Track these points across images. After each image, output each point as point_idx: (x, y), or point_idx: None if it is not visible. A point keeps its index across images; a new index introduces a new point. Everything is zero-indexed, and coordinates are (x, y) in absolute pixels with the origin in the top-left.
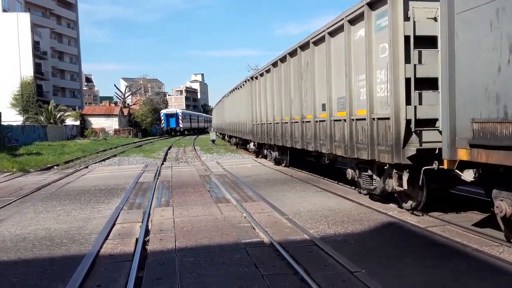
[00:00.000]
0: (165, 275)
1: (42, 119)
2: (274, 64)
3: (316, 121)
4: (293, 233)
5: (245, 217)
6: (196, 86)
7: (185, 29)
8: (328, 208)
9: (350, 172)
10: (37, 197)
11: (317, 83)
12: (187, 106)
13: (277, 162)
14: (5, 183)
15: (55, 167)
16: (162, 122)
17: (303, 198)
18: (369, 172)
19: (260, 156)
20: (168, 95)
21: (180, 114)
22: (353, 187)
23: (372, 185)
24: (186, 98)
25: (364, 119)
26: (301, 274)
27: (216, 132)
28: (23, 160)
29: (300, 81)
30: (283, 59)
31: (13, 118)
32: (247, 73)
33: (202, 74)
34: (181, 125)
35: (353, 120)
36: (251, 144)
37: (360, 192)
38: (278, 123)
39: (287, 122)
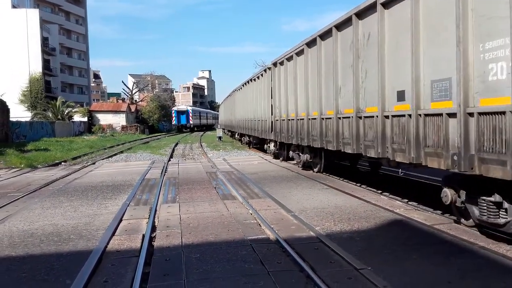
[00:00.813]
0: (171, 271)
1: (50, 115)
2: (310, 43)
3: (386, 116)
4: (299, 230)
5: (251, 214)
6: (203, 82)
7: (193, 25)
8: (334, 205)
9: (449, 194)
10: (45, 193)
11: (388, 60)
12: (194, 103)
13: (307, 166)
14: (13, 179)
15: (62, 163)
16: (173, 119)
17: (309, 195)
18: (495, 198)
19: (281, 159)
20: (175, 92)
21: (191, 111)
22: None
23: (499, 218)
24: (193, 95)
25: (497, 113)
26: (307, 271)
27: (223, 129)
28: (31, 156)
29: (356, 61)
30: (325, 35)
31: (22, 114)
32: (254, 70)
33: (209, 71)
34: (191, 122)
35: (472, 114)
36: (271, 145)
37: (462, 223)
38: (315, 118)
39: (329, 118)
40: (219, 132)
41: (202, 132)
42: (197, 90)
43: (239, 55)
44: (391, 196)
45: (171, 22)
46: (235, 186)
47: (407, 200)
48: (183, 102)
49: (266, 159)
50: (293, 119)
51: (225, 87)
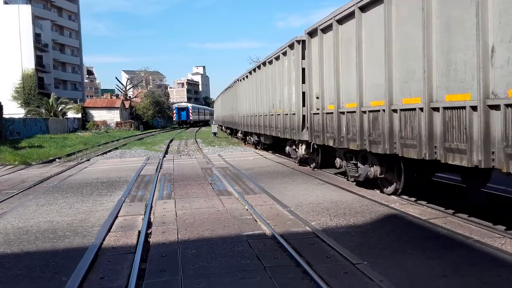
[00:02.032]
0: (167, 267)
1: (44, 112)
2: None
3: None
4: (295, 225)
5: (247, 210)
6: (198, 78)
7: (186, 21)
8: (330, 201)
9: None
10: (40, 190)
11: None
12: (189, 99)
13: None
14: (7, 176)
15: (57, 160)
16: (174, 115)
17: (305, 190)
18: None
19: (312, 166)
20: (170, 88)
21: (190, 108)
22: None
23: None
24: (188, 91)
25: None
26: (303, 266)
27: (220, 125)
28: (25, 153)
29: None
30: None
31: (15, 111)
32: (249, 66)
33: (204, 67)
34: (191, 118)
35: None
36: (301, 148)
37: None
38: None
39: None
40: (214, 128)
41: (198, 128)
42: (192, 86)
43: (233, 51)
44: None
45: (165, 18)
46: (230, 182)
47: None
48: (177, 98)
49: (261, 155)
50: (353, 111)
51: (219, 83)
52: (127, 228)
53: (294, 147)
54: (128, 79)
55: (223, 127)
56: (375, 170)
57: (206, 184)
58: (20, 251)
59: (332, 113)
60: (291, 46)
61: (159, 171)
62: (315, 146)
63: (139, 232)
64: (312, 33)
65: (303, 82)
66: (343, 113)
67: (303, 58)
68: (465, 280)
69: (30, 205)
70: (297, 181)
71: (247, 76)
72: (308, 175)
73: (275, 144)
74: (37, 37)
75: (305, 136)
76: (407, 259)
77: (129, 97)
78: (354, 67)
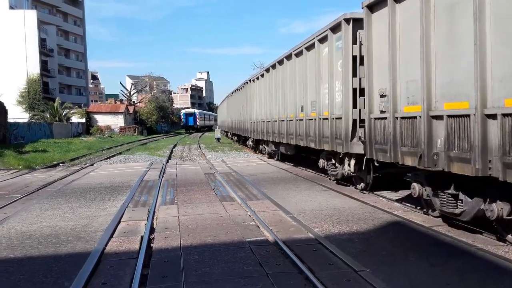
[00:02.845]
0: (170, 273)
1: (48, 116)
2: None
3: None
4: (297, 231)
5: (249, 216)
6: (202, 84)
7: (190, 27)
8: (332, 207)
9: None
10: (43, 195)
11: None
12: (192, 104)
13: None
14: (11, 180)
15: (61, 164)
16: (182, 120)
17: (307, 196)
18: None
19: (361, 185)
20: (174, 93)
21: (197, 113)
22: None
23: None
24: (192, 96)
25: None
26: (305, 273)
27: (225, 132)
28: (29, 157)
29: None
30: None
31: (19, 115)
32: (253, 71)
33: (208, 72)
34: (198, 123)
35: None
36: (350, 163)
37: None
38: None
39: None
40: (217, 133)
41: (201, 133)
42: (195, 92)
43: (237, 57)
44: (389, 198)
45: (168, 24)
46: (233, 188)
47: (409, 204)
48: (181, 103)
49: (264, 161)
50: (461, 115)
51: (223, 89)
52: (130, 233)
53: (333, 161)
54: (132, 84)
55: (229, 134)
56: (499, 210)
57: (209, 189)
58: (23, 255)
59: (414, 117)
60: (335, 29)
61: (162, 176)
62: (377, 164)
63: (142, 237)
64: (374, 6)
65: (354, 75)
66: (437, 117)
67: (354, 42)
68: None
69: (34, 210)
70: (300, 187)
71: (262, 75)
72: (311, 181)
73: (298, 156)
74: (42, 42)
75: (357, 148)
76: (410, 266)
77: (133, 102)
78: (468, 45)
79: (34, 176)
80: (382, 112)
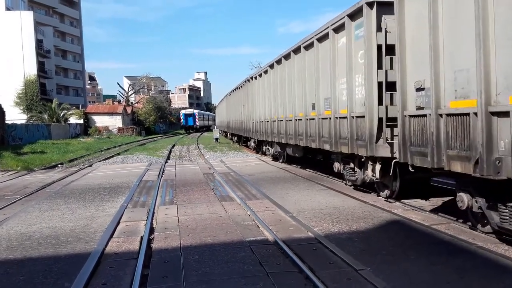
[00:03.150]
0: (170, 273)
1: (46, 117)
2: None
3: None
4: (297, 231)
5: (249, 215)
6: (199, 84)
7: (188, 28)
8: (332, 206)
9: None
10: (42, 196)
11: None
12: (190, 104)
13: None
14: (10, 181)
15: (59, 165)
16: (182, 121)
17: (307, 196)
18: None
19: (385, 196)
20: (171, 93)
21: (197, 114)
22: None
23: None
24: (189, 96)
25: None
26: (306, 272)
27: (224, 132)
28: (28, 158)
29: None
30: None
31: (17, 116)
32: (250, 71)
33: (205, 72)
34: (197, 123)
35: None
36: (375, 169)
37: None
38: None
39: None
40: (215, 133)
41: (200, 133)
42: (193, 92)
43: (235, 57)
44: (421, 208)
45: (166, 24)
46: (232, 188)
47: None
48: (179, 103)
49: (263, 160)
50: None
51: (221, 89)
52: (130, 234)
53: (352, 165)
54: (130, 85)
55: (228, 134)
56: None
57: (208, 189)
58: (22, 257)
59: (465, 114)
60: (355, 15)
61: (161, 176)
62: (412, 169)
63: (142, 238)
64: None
65: (379, 67)
66: (500, 114)
67: (379, 30)
68: (468, 286)
69: (33, 211)
70: (299, 186)
71: (265, 72)
72: (310, 181)
73: (305, 158)
74: (39, 43)
75: (383, 151)
76: (410, 265)
77: (131, 102)
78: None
79: (32, 178)
80: (419, 108)
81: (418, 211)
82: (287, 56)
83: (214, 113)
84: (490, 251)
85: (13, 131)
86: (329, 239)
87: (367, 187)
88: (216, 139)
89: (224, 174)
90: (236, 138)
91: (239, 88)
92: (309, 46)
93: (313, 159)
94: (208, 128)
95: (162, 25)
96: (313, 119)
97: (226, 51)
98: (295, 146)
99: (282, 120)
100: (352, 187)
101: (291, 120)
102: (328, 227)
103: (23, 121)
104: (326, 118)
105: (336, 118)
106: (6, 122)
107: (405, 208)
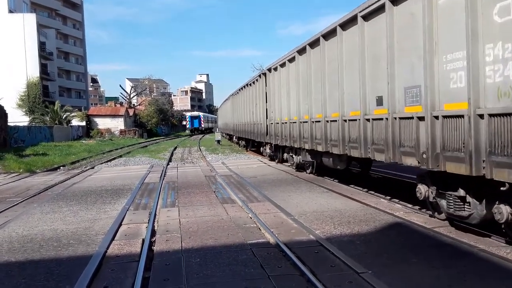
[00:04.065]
0: (171, 275)
1: (48, 119)
2: None
3: None
4: (299, 233)
5: (250, 218)
6: (201, 86)
7: (189, 30)
8: (334, 209)
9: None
10: (44, 198)
11: None
12: (192, 107)
13: None
14: (12, 183)
15: (61, 167)
16: (187, 123)
17: (308, 198)
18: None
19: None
20: (173, 96)
21: (202, 116)
22: (359, 188)
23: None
24: (191, 99)
25: None
26: (307, 275)
27: (228, 135)
28: (30, 160)
29: None
30: None
31: (19, 118)
32: (252, 73)
33: (207, 75)
34: (202, 125)
35: None
36: None
37: None
38: None
39: None
40: (217, 135)
41: (202, 135)
42: (195, 94)
43: (237, 59)
44: (392, 199)
45: (167, 26)
46: (234, 190)
47: (411, 205)
48: (181, 106)
49: (265, 163)
50: None
51: (222, 91)
52: (131, 236)
53: (462, 192)
54: (132, 87)
55: (234, 138)
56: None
57: (209, 192)
58: (24, 259)
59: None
60: None
61: (163, 179)
62: None
63: (143, 240)
64: None
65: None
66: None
67: None
68: None
69: (35, 213)
70: (300, 189)
71: (291, 59)
72: (311, 183)
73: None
74: (42, 46)
75: None
76: (412, 268)
77: (133, 105)
78: None
79: (34, 180)
80: None
81: (419, 214)
82: (328, 35)
83: (215, 115)
84: (492, 254)
85: (16, 133)
86: (331, 241)
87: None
88: (218, 141)
89: (226, 176)
90: (243, 142)
91: (250, 84)
92: (372, 14)
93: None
94: (211, 130)
95: (163, 27)
96: (380, 119)
97: (228, 53)
98: (337, 156)
99: (319, 121)
100: (448, 220)
101: (335, 120)
102: (330, 229)
103: (26, 123)
104: (409, 118)
105: (436, 117)
106: (9, 124)
107: (407, 211)
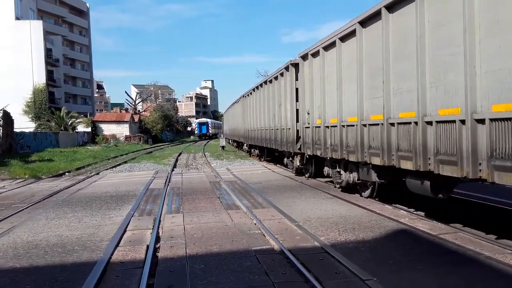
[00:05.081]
0: (176, 282)
1: (54, 125)
2: None
3: None
4: (303, 240)
5: (255, 224)
6: (206, 92)
7: (194, 37)
8: (338, 215)
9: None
10: (49, 204)
11: None
12: (197, 113)
13: None
14: (17, 189)
15: (66, 173)
16: (195, 129)
17: (313, 204)
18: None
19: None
20: (178, 102)
21: (210, 123)
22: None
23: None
24: (196, 105)
25: None
26: (312, 282)
27: (236, 142)
28: (35, 166)
29: None
30: None
31: (26, 125)
32: (257, 79)
33: (212, 81)
34: (210, 131)
35: None
36: None
37: None
38: None
39: None
40: (222, 141)
41: (206, 141)
42: (200, 100)
43: (241, 66)
44: (396, 206)
45: (172, 34)
46: (238, 196)
47: (413, 210)
48: (186, 112)
49: (269, 169)
50: None
51: (228, 97)
52: (136, 242)
53: None
54: (137, 93)
55: (245, 146)
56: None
57: (214, 198)
58: (29, 265)
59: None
60: None
61: (168, 185)
62: None
63: (148, 246)
64: None
65: None
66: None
67: None
68: None
69: (40, 219)
70: (305, 195)
71: (348, 35)
72: (316, 189)
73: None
74: (48, 52)
75: None
76: (418, 275)
77: (138, 111)
78: None
79: (40, 186)
80: None
81: (425, 220)
82: (394, 5)
83: (220, 121)
84: (498, 261)
85: (21, 139)
86: (336, 248)
87: None
88: (223, 147)
89: (230, 182)
90: (257, 151)
91: (267, 82)
92: None
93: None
94: (217, 136)
95: (168, 34)
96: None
97: (232, 60)
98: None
99: (406, 123)
100: None
101: (407, 123)
102: (335, 236)
103: (32, 129)
104: None
105: None
106: (15, 130)
107: (412, 217)
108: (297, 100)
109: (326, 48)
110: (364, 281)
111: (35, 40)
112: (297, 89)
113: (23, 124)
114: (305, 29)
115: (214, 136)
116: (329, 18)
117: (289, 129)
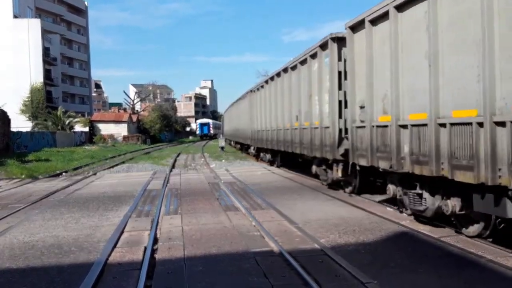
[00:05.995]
0: (173, 284)
1: (51, 125)
2: None
3: None
4: (303, 242)
5: (254, 226)
6: (206, 92)
7: (194, 36)
8: (338, 217)
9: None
10: (46, 204)
11: None
12: (196, 113)
13: None
14: (14, 189)
15: (63, 173)
16: (197, 129)
17: (313, 206)
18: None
19: None
20: (177, 102)
21: (211, 123)
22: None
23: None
24: (196, 105)
25: None
26: (311, 285)
27: (241, 144)
28: (32, 166)
29: None
30: None
31: (23, 124)
32: (257, 80)
33: (211, 81)
34: (211, 132)
35: None
36: None
37: None
38: None
39: None
40: (221, 142)
41: (205, 142)
42: (199, 100)
43: (241, 65)
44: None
45: (171, 32)
46: (237, 197)
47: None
48: (185, 112)
49: (269, 170)
50: None
51: (227, 97)
52: (133, 243)
53: None
54: (136, 92)
55: (252, 149)
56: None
57: (213, 199)
58: (25, 266)
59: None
60: None
61: (166, 185)
62: None
63: (145, 248)
64: None
65: None
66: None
67: None
68: None
69: (36, 220)
70: (305, 196)
71: (409, 1)
72: (316, 191)
73: None
74: (46, 51)
75: None
76: (419, 278)
77: (137, 111)
78: None
79: (37, 186)
80: None
81: (426, 223)
82: None
83: (219, 121)
84: (500, 265)
85: (18, 138)
86: (336, 251)
87: None
88: (222, 147)
89: (230, 183)
90: (269, 155)
91: (292, 68)
92: None
93: None
94: (216, 137)
95: (167, 33)
96: None
97: (232, 59)
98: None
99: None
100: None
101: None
102: (335, 238)
103: (29, 129)
104: None
105: None
106: (12, 129)
107: (413, 220)
108: (339, 89)
109: (402, 5)
110: (364, 284)
111: (33, 38)
112: (339, 73)
113: (20, 123)
114: (306, 29)
115: (215, 137)
116: (330, 18)
117: (327, 128)
